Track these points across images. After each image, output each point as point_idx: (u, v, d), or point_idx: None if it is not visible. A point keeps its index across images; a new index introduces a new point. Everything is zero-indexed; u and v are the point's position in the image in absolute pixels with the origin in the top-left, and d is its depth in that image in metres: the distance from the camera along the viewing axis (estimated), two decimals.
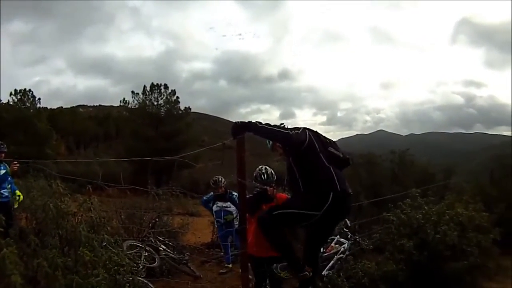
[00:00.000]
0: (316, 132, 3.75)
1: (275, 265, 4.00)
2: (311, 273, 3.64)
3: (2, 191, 6.16)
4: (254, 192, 4.52)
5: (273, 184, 4.66)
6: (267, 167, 4.72)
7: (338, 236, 6.09)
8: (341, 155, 3.70)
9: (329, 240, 5.98)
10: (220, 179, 7.20)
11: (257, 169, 4.71)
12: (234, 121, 3.64)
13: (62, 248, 3.79)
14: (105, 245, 3.99)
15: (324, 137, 3.76)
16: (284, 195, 4.65)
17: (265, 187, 4.48)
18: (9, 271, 2.80)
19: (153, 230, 6.80)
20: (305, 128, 3.67)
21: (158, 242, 6.69)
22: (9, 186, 6.32)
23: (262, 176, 4.62)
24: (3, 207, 5.76)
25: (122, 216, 7.52)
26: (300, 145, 3.49)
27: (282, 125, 3.75)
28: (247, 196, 4.08)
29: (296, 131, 3.55)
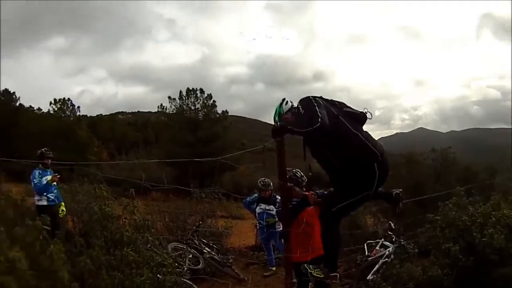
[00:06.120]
0: (321, 97, 3.57)
1: (306, 264, 3.97)
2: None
3: (49, 195, 6.46)
4: (294, 202, 4.54)
5: (304, 184, 4.74)
6: (299, 171, 4.79)
7: (382, 239, 6.02)
8: (359, 111, 3.58)
9: (374, 244, 5.92)
10: (269, 182, 7.15)
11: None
12: (272, 123, 3.65)
13: (108, 248, 3.94)
14: (150, 246, 4.12)
15: (332, 100, 3.61)
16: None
17: (306, 193, 4.52)
18: (57, 267, 2.93)
19: (197, 232, 6.91)
20: (311, 100, 3.46)
21: (202, 244, 6.80)
22: (55, 191, 6.59)
23: (299, 180, 4.66)
24: (48, 210, 6.02)
25: (166, 219, 7.68)
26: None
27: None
28: (291, 205, 4.12)
29: (317, 111, 3.31)
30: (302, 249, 4.29)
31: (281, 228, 5.74)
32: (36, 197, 6.32)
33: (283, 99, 3.77)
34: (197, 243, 6.69)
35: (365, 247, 6.30)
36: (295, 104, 3.69)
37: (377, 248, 5.98)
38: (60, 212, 6.53)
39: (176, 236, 7.01)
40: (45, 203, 6.29)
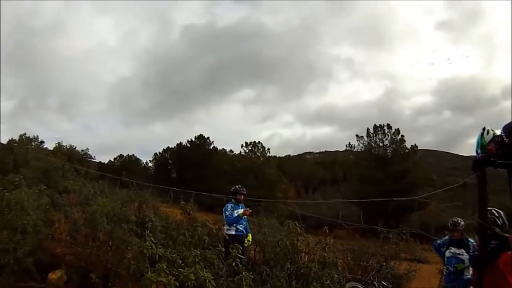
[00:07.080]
0: None
1: None
2: None
3: (238, 226, 7.14)
4: (492, 245, 4.19)
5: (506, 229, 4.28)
6: (497, 210, 4.37)
7: None
8: None
9: None
10: (459, 221, 6.63)
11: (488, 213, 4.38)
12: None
13: (290, 281, 4.26)
14: (328, 283, 4.32)
15: None
16: None
17: (506, 235, 4.11)
18: None
19: (378, 273, 6.85)
20: None
21: (381, 286, 6.69)
22: (245, 223, 7.35)
23: (498, 221, 4.28)
24: (238, 239, 6.70)
25: (349, 257, 7.79)
26: None
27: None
28: (488, 248, 3.72)
29: None
30: None
31: (469, 276, 5.27)
32: (226, 227, 7.04)
33: (483, 128, 3.56)
34: (376, 285, 6.60)
35: None
36: (497, 132, 3.44)
37: None
38: (246, 242, 7.25)
39: (356, 275, 7.06)
40: (233, 232, 6.96)
